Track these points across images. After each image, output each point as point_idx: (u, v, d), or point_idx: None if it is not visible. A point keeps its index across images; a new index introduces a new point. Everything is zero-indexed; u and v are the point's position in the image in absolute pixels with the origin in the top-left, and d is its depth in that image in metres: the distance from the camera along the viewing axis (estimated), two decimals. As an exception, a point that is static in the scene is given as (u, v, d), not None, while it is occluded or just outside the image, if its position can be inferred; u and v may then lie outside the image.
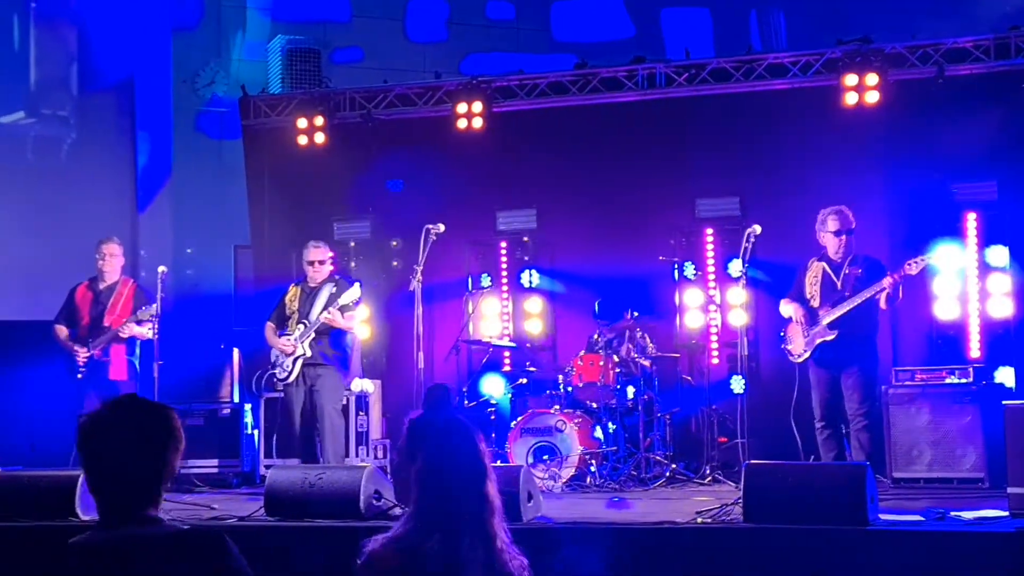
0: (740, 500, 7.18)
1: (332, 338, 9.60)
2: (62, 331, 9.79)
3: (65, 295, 10.01)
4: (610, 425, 10.11)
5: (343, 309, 9.48)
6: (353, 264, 12.31)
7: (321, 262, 9.76)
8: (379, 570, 3.02)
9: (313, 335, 9.51)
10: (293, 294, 9.81)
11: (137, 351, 9.81)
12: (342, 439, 9.90)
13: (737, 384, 9.15)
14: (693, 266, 11.46)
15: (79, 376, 9.50)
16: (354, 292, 9.52)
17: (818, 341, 8.87)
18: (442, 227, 9.00)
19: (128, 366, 9.67)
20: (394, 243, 11.93)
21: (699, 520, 7.30)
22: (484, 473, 3.11)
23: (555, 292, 12.10)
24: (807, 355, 8.94)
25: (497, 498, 3.11)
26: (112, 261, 9.81)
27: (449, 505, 3.03)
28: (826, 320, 8.83)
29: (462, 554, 2.99)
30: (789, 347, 9.11)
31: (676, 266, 11.31)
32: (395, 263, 11.71)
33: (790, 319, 9.14)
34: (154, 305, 9.34)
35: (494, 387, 10.88)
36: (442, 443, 3.11)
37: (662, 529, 7.19)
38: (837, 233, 8.94)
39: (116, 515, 3.03)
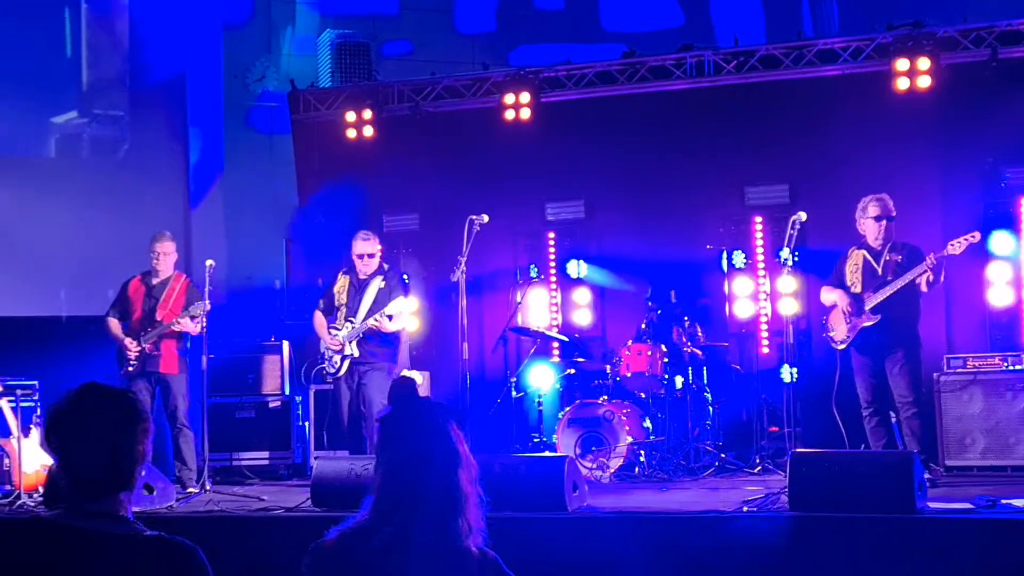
0: (786, 489, 7.15)
1: (380, 337, 9.61)
2: (114, 324, 9.89)
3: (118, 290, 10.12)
4: (659, 415, 10.07)
5: (390, 316, 9.49)
6: (402, 255, 12.34)
7: (370, 255, 9.75)
8: (322, 558, 2.99)
9: (360, 336, 9.54)
10: (342, 285, 9.81)
11: (188, 345, 9.90)
12: (390, 431, 9.91)
13: (787, 373, 9.06)
14: (743, 254, 11.37)
15: (130, 369, 9.60)
16: (399, 304, 9.48)
17: (861, 326, 8.77)
18: (486, 218, 8.98)
19: (179, 360, 9.75)
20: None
21: (745, 509, 7.28)
22: (455, 462, 3.04)
23: (603, 282, 12.05)
24: (849, 341, 8.85)
25: (469, 486, 3.04)
26: (165, 260, 9.87)
27: (410, 496, 2.96)
28: (870, 304, 8.73)
29: (413, 546, 2.93)
30: (831, 334, 9.02)
31: (725, 255, 11.23)
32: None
33: (831, 306, 9.05)
34: (206, 303, 9.42)
35: (543, 377, 10.86)
36: (408, 435, 3.07)
37: (708, 518, 7.18)
38: (878, 219, 8.85)
39: (86, 501, 3.02)
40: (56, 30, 13.88)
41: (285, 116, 13.44)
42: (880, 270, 8.80)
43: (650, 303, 10.70)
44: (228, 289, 12.63)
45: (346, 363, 9.57)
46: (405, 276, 9.70)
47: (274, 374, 11.32)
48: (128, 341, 9.66)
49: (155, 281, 9.87)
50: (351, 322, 9.57)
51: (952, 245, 8.52)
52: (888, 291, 8.67)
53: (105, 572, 2.93)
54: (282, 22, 15.43)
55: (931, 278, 8.55)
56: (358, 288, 9.72)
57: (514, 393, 10.64)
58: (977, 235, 8.62)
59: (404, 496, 2.98)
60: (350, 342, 9.52)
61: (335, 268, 10.27)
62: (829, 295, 9.06)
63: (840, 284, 9.00)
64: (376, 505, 3.02)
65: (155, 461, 8.62)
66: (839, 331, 8.93)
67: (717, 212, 11.65)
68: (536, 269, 11.97)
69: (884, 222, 8.84)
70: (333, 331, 9.65)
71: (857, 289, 8.87)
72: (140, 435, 3.08)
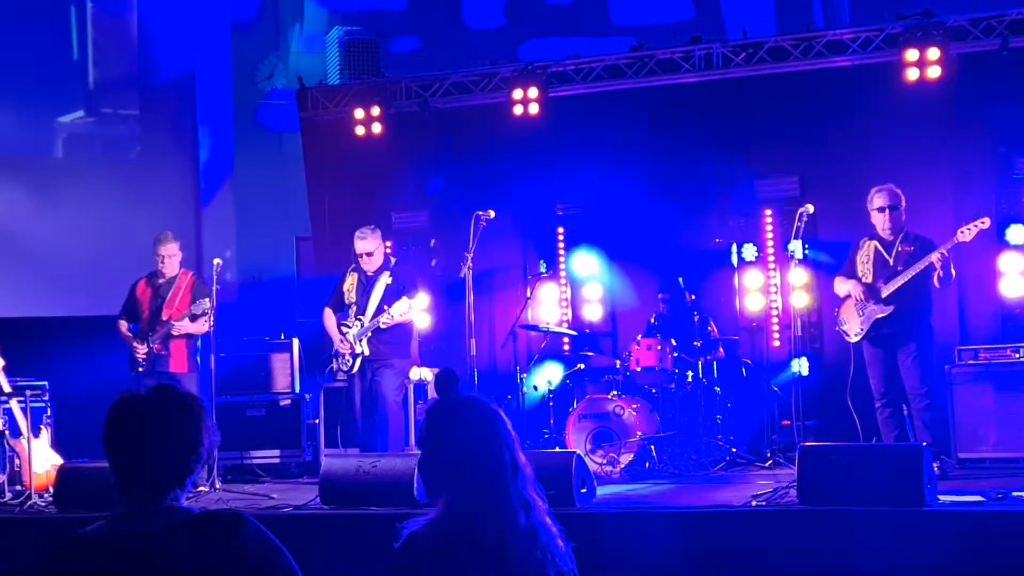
0: (795, 483, 7.12)
1: (391, 334, 9.53)
2: (123, 326, 9.93)
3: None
4: (669, 410, 10.04)
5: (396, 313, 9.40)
6: (411, 251, 12.33)
7: (368, 253, 9.59)
8: (420, 550, 2.99)
9: (370, 334, 9.48)
10: (350, 282, 9.72)
11: (198, 344, 9.91)
12: (403, 430, 9.82)
13: (797, 366, 9.01)
14: (755, 248, 11.30)
15: (139, 370, 9.62)
16: (403, 305, 9.38)
17: (874, 318, 8.70)
18: (492, 213, 8.95)
19: (188, 359, 9.76)
20: (432, 242, 11.93)
21: (754, 503, 7.25)
22: (511, 442, 3.11)
23: (613, 277, 12.01)
24: (863, 334, 8.78)
25: (528, 466, 3.12)
26: (170, 261, 9.87)
27: (484, 481, 3.02)
28: (885, 292, 8.66)
29: (505, 527, 2.99)
30: (844, 327, 8.94)
31: (735, 248, 11.18)
32: (433, 262, 11.77)
33: (843, 299, 8.99)
34: (207, 300, 9.41)
35: (551, 374, 10.85)
36: (463, 423, 3.10)
37: (717, 513, 7.15)
38: (881, 210, 8.81)
39: (136, 504, 3.00)
40: (62, 30, 13.91)
41: (294, 114, 13.43)
42: (892, 261, 8.74)
43: (660, 296, 10.66)
44: (239, 287, 12.65)
45: (358, 361, 9.52)
46: (406, 298, 9.46)
47: (284, 372, 11.31)
48: (137, 343, 9.69)
49: (161, 281, 9.89)
50: (360, 320, 9.52)
51: (961, 232, 8.45)
52: (900, 280, 8.60)
53: (165, 568, 2.91)
54: (290, 19, 15.46)
55: (940, 274, 8.45)
56: (366, 285, 9.64)
57: (524, 389, 10.62)
58: (987, 220, 8.53)
59: (477, 484, 3.02)
60: (359, 340, 9.46)
61: (345, 265, 10.23)
62: (843, 285, 9.00)
63: (852, 275, 8.95)
64: (454, 499, 3.04)
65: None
66: (852, 324, 8.86)
67: (727, 205, 11.59)
68: (545, 264, 11.92)
69: (888, 212, 8.79)
70: (344, 328, 9.59)
71: (868, 279, 8.81)
72: (202, 443, 3.07)
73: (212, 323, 9.46)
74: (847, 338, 8.95)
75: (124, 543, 2.93)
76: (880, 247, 8.84)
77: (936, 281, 8.54)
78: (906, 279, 8.59)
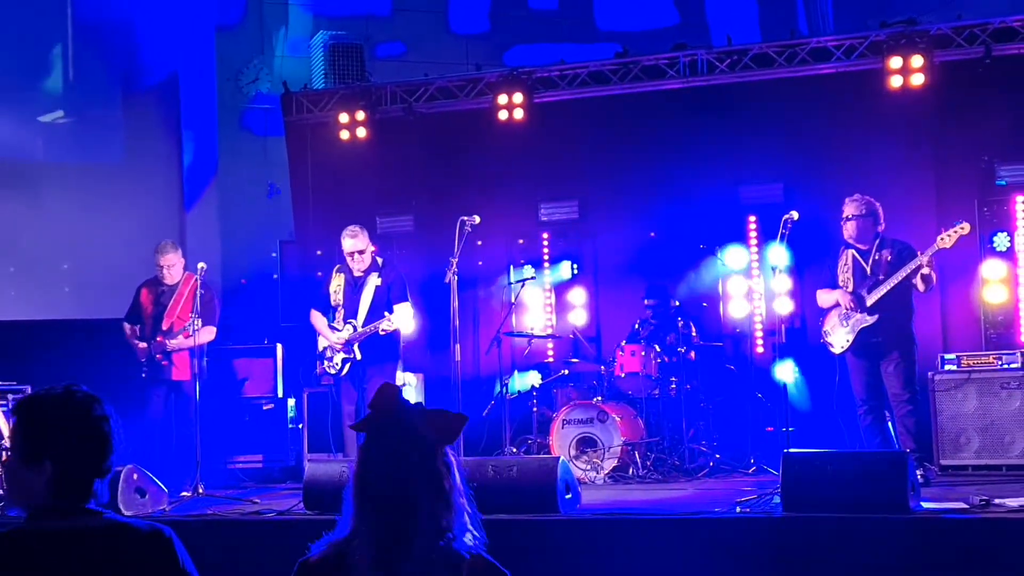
0: (779, 489, 7.11)
1: (383, 337, 9.40)
2: (129, 329, 9.95)
3: (113, 294, 10.16)
4: (653, 415, 10.04)
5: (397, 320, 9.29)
6: (396, 256, 12.29)
7: (360, 252, 9.52)
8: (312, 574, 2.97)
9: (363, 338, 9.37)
10: (337, 283, 9.56)
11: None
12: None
13: (781, 372, 9.01)
14: (745, 251, 11.31)
15: (143, 375, 9.64)
16: (406, 310, 9.26)
17: (859, 328, 8.70)
18: (477, 219, 8.92)
19: (191, 367, 9.68)
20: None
21: (738, 510, 7.25)
22: (439, 467, 2.97)
23: (598, 283, 12.02)
24: (848, 345, 8.77)
25: (456, 488, 2.98)
26: (170, 271, 9.91)
27: (373, 500, 2.92)
28: (871, 300, 8.66)
29: (389, 552, 2.88)
30: (829, 339, 8.91)
31: (719, 254, 11.19)
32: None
33: (828, 311, 8.98)
34: (196, 321, 9.38)
35: (532, 382, 10.85)
36: (390, 442, 3.00)
37: (701, 520, 7.14)
38: (846, 219, 8.86)
39: (79, 501, 3.05)
40: (42, 32, 13.83)
41: (279, 118, 13.41)
42: (869, 269, 8.75)
43: (645, 303, 10.67)
44: (223, 291, 12.60)
45: (348, 365, 9.41)
46: (395, 317, 9.35)
47: (267, 376, 11.28)
48: (140, 349, 9.71)
49: (163, 288, 9.92)
50: (352, 324, 9.38)
51: (942, 239, 8.45)
52: (885, 288, 8.60)
53: (90, 567, 2.95)
54: (275, 24, 15.43)
55: (926, 272, 8.46)
56: (354, 287, 9.50)
57: (508, 394, 10.60)
58: (967, 226, 8.52)
59: (365, 503, 2.93)
60: (352, 344, 9.33)
61: (330, 269, 10.15)
62: (828, 296, 8.99)
63: (834, 285, 8.95)
64: (358, 516, 2.94)
65: (151, 465, 8.58)
66: (838, 336, 8.82)
67: (711, 211, 11.59)
68: (531, 269, 11.91)
69: (853, 222, 8.82)
70: (333, 330, 9.46)
71: (849, 288, 8.82)
72: (108, 443, 3.10)
73: (197, 328, 9.40)
74: (833, 350, 8.93)
75: (45, 539, 2.97)
76: (857, 255, 8.85)
77: (920, 285, 8.55)
78: (890, 287, 8.60)
